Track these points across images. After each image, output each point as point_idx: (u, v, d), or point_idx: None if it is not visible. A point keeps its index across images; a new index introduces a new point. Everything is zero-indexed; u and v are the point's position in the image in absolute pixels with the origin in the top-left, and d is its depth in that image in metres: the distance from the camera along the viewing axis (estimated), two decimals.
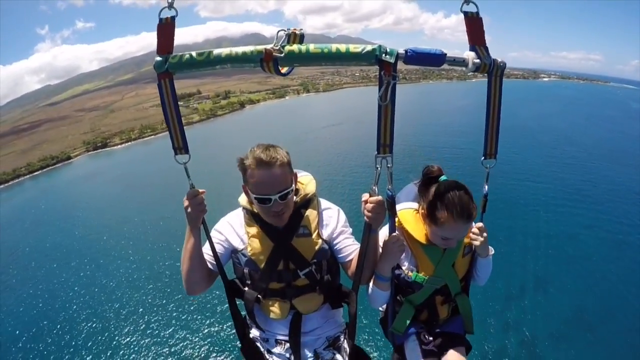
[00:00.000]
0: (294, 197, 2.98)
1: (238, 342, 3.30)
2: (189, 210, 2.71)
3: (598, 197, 48.30)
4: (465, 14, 2.44)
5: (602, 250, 36.02)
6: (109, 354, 27.25)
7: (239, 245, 3.04)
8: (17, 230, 55.44)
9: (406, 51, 2.34)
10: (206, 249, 2.98)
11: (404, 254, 2.99)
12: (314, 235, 2.99)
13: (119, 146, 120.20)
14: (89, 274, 38.59)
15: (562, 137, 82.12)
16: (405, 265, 3.09)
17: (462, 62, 2.45)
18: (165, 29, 2.47)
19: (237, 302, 3.25)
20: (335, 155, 68.33)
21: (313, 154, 70.17)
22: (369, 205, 2.58)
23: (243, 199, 3.05)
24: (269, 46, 2.34)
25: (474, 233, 2.97)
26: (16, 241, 50.75)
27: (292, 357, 3.12)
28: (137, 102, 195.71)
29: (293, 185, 2.84)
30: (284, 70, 2.47)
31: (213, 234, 3.06)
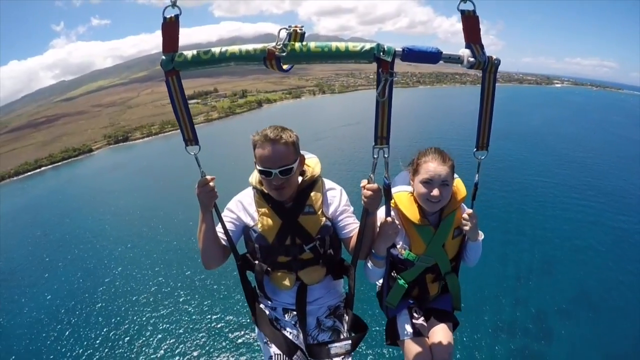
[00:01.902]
0: (301, 178, 3.26)
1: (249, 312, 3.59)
2: (201, 197, 2.96)
3: (603, 194, 50.23)
4: (462, 12, 2.51)
5: (605, 239, 38.04)
6: (144, 319, 29.38)
7: (249, 222, 3.27)
8: (49, 214, 57.09)
9: (403, 49, 2.42)
10: (219, 228, 3.22)
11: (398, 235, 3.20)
12: (319, 214, 3.22)
13: (140, 140, 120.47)
14: (122, 253, 40.16)
15: (570, 141, 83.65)
16: (399, 244, 3.33)
17: (458, 60, 2.54)
18: (170, 27, 2.57)
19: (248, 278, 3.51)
20: (351, 150, 69.66)
21: (332, 149, 72.26)
22: (366, 192, 2.82)
23: (253, 179, 3.29)
24: (271, 45, 2.44)
25: (464, 219, 3.20)
26: (49, 224, 52.41)
27: (298, 324, 3.37)
28: (153, 99, 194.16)
29: (295, 164, 3.04)
30: (285, 66, 2.55)
31: (225, 212, 3.30)
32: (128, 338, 27.70)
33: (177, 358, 25.51)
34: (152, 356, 26.08)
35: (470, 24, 2.53)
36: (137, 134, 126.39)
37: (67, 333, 28.95)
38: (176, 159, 67.24)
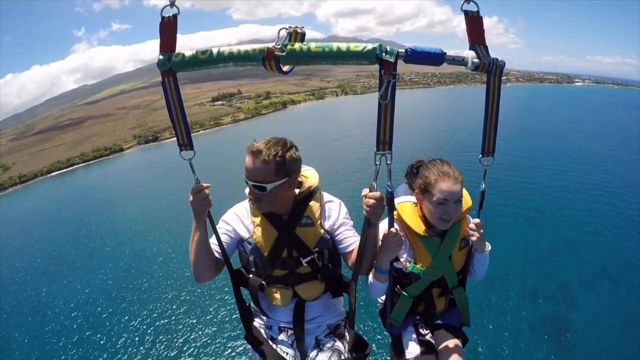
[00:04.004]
0: (298, 190, 3.11)
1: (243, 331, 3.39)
2: (194, 204, 2.82)
3: (621, 185, 51.84)
4: (466, 12, 2.43)
5: (623, 224, 40.02)
6: (182, 302, 30.96)
7: (245, 234, 3.10)
8: (89, 207, 59.34)
9: (406, 50, 2.36)
10: (213, 240, 3.04)
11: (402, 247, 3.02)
12: (317, 225, 3.05)
13: (169, 140, 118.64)
14: (162, 241, 41.76)
15: (590, 137, 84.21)
16: (403, 257, 3.17)
17: (462, 61, 2.45)
18: (168, 27, 2.50)
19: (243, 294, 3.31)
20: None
21: (358, 146, 73.36)
22: (368, 201, 2.66)
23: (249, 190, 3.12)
24: (270, 45, 2.38)
25: (471, 229, 3.03)
26: (91, 215, 54.72)
27: (295, 344, 3.15)
28: None
29: (272, 185, 2.81)
30: (285, 68, 2.49)
31: (220, 224, 3.16)
32: (169, 318, 29.14)
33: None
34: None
35: (474, 24, 2.45)
36: (167, 134, 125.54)
37: (119, 311, 30.75)
38: (206, 158, 68.10)
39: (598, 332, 24.79)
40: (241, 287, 3.24)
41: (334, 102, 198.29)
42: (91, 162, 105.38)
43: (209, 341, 26.38)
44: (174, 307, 30.32)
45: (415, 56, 2.32)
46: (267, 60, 2.34)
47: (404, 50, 2.32)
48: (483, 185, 2.91)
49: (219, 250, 3.05)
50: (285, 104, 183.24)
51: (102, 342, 27.40)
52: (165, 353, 25.80)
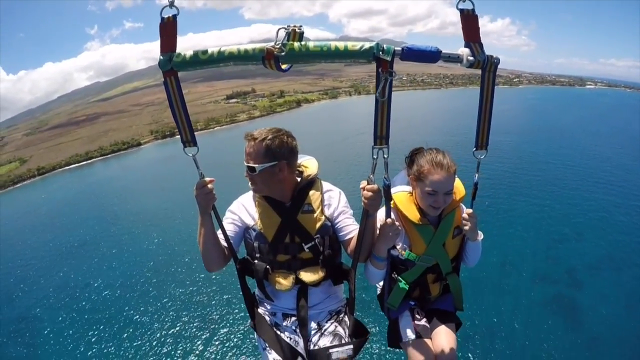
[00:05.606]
0: (297, 178, 3.26)
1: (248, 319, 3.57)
2: (199, 199, 2.93)
3: (626, 179, 54.23)
4: (462, 11, 2.48)
5: (628, 212, 42.19)
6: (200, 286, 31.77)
7: (250, 222, 3.23)
8: (111, 197, 60.86)
9: (402, 48, 2.38)
10: (220, 231, 3.18)
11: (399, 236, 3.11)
12: (318, 212, 3.17)
13: None
14: (184, 230, 41.03)
15: (598, 137, 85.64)
16: (399, 245, 3.25)
17: (457, 59, 2.50)
18: (168, 27, 2.56)
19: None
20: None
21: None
22: (366, 193, 2.75)
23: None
24: (270, 44, 2.42)
25: (464, 219, 3.13)
26: (114, 205, 55.95)
27: (299, 329, 3.28)
28: (191, 99, 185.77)
29: (261, 166, 2.99)
30: (284, 66, 2.52)
31: (227, 214, 3.32)
32: (185, 303, 30.11)
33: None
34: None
35: (470, 22, 2.52)
36: None
37: (146, 292, 32.15)
38: (224, 153, 68.17)
39: (602, 312, 26.47)
40: (247, 277, 3.39)
41: (347, 101, 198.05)
42: (109, 155, 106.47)
43: (219, 326, 27.16)
44: (191, 292, 31.24)
45: (412, 54, 2.39)
46: (267, 59, 2.40)
47: (400, 49, 2.38)
48: (476, 177, 3.01)
49: (226, 242, 3.21)
50: (299, 102, 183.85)
51: (134, 318, 28.87)
52: (180, 335, 26.70)
